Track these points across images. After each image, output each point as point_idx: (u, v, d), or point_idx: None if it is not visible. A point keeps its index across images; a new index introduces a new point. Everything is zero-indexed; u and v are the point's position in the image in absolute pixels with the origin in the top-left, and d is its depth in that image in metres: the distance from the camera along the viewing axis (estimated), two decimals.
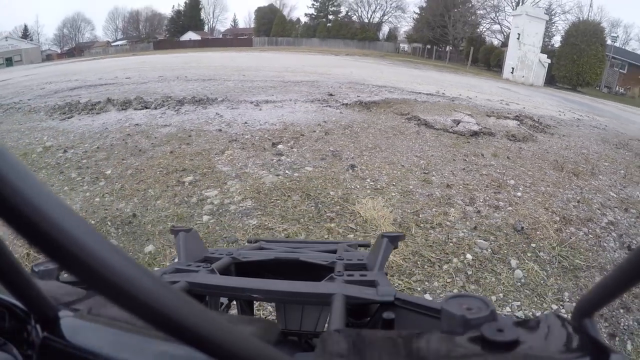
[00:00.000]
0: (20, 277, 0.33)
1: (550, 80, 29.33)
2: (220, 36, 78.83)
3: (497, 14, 45.04)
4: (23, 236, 0.19)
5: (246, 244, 1.50)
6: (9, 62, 47.20)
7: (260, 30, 70.93)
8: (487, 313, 0.35)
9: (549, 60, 27.87)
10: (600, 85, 32.81)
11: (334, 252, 1.07)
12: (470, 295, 0.37)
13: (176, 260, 0.88)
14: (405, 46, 61.22)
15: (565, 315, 0.35)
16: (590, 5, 44.87)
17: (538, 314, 2.48)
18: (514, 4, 42.84)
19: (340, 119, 7.05)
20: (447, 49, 47.83)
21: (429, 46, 51.58)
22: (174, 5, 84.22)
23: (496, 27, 46.34)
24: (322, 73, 15.86)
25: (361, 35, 61.48)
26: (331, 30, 63.67)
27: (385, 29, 68.81)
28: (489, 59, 37.12)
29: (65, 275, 0.62)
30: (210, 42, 63.65)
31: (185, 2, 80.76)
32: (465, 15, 45.72)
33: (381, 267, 0.83)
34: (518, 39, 26.83)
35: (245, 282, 0.69)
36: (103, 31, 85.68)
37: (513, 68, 26.95)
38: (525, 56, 26.96)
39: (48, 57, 65.54)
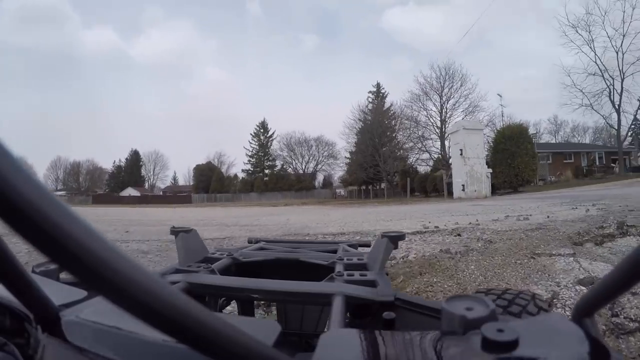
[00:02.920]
0: (21, 278, 0.32)
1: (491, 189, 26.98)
2: (161, 193, 76.01)
3: (424, 143, 43.73)
4: (23, 237, 0.18)
5: (247, 244, 1.36)
6: None
7: (199, 187, 69.24)
8: (487, 313, 0.32)
9: (490, 170, 24.92)
10: (536, 180, 31.50)
11: (335, 252, 1.02)
12: (470, 295, 0.36)
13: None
14: (341, 190, 60.31)
15: (566, 315, 0.33)
16: (502, 115, 43.61)
17: None
18: (437, 130, 42.20)
19: None
20: (383, 185, 46.49)
21: (364, 187, 50.58)
22: (115, 161, 79.76)
23: (425, 155, 44.99)
24: (246, 224, 10.62)
25: (298, 186, 60.10)
26: (268, 183, 62.36)
27: (320, 177, 68.28)
28: (425, 186, 35.44)
29: (65, 276, 0.60)
30: (149, 199, 59.96)
31: (127, 159, 78.29)
32: (394, 151, 44.89)
33: (381, 267, 0.78)
34: (461, 154, 23.71)
35: (246, 282, 0.67)
36: (44, 179, 77.64)
37: (463, 185, 23.35)
38: (473, 170, 23.78)
39: None
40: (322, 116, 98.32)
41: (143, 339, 0.34)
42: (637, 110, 39.45)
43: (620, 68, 35.87)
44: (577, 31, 37.04)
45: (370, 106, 52.79)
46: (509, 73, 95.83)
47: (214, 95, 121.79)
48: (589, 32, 36.53)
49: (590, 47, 36.85)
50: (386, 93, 54.70)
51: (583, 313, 0.32)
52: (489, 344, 0.28)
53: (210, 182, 66.67)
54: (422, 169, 44.66)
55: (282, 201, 45.90)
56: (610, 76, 36.44)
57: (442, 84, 42.21)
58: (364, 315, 0.64)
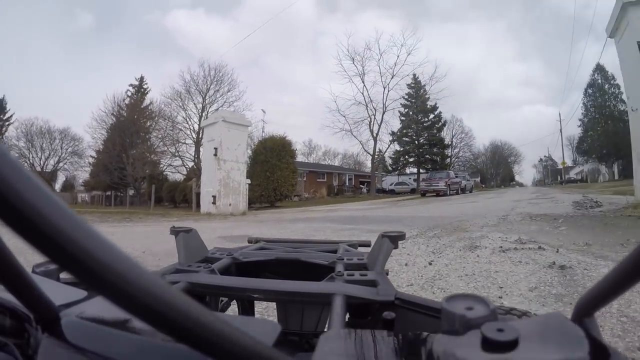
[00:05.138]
0: (21, 278, 0.31)
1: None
2: None
3: (178, 147, 36.36)
4: (23, 237, 0.17)
5: (247, 243, 1.27)
6: None
7: None
8: (487, 312, 0.30)
9: (249, 181, 18.64)
10: (291, 196, 29.25)
11: (335, 252, 0.97)
12: (470, 294, 0.34)
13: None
14: (84, 195, 47.55)
15: (566, 315, 0.31)
16: (263, 131, 39.89)
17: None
18: (194, 134, 35.79)
19: None
20: (129, 192, 37.84)
21: (108, 192, 40.47)
22: None
23: (178, 161, 37.56)
24: None
25: None
26: None
27: (61, 178, 53.17)
28: (174, 196, 28.99)
29: (65, 276, 0.57)
30: None
31: None
32: (144, 155, 36.13)
33: (382, 267, 0.73)
34: (216, 155, 16.14)
35: (246, 282, 0.64)
36: None
37: (214, 196, 16.09)
38: (229, 177, 16.64)
39: None
40: (75, 106, 78.63)
41: (143, 339, 0.32)
42: (390, 143, 44.65)
43: (384, 102, 39.25)
44: (353, 63, 38.71)
45: (127, 100, 42.55)
46: (272, 96, 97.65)
47: None
48: (363, 67, 38.76)
49: (362, 79, 39.02)
50: (148, 89, 45.28)
51: (583, 313, 0.30)
52: (489, 344, 0.27)
53: None
54: (176, 176, 37.30)
55: None
56: (374, 107, 39.10)
57: (208, 86, 36.65)
58: (364, 315, 0.61)
